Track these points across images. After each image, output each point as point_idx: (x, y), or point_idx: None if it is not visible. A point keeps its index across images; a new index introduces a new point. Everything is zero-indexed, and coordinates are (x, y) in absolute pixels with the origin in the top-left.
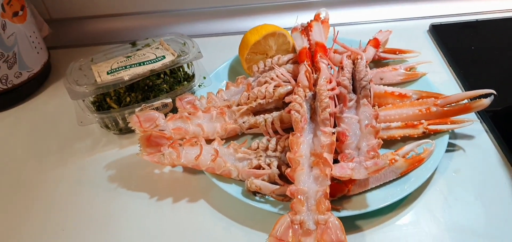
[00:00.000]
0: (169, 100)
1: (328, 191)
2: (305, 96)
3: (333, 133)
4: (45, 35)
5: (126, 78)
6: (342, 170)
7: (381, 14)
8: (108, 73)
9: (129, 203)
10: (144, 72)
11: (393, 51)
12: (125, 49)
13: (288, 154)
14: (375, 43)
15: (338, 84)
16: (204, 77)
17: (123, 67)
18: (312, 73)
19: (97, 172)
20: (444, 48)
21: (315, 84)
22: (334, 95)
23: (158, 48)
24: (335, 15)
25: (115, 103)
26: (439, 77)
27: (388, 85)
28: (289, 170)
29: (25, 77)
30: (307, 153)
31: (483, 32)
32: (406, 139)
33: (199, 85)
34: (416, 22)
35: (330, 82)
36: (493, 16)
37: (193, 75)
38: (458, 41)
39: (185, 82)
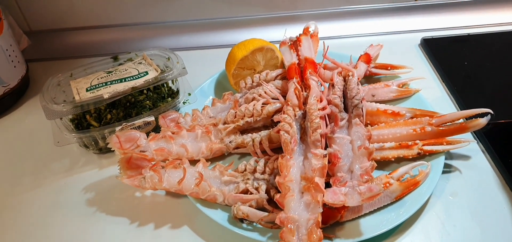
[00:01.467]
0: (152, 118)
1: (320, 219)
2: (295, 115)
3: (325, 156)
4: (23, 47)
5: (106, 96)
6: (335, 196)
7: (371, 27)
8: (87, 90)
9: (107, 228)
10: (125, 90)
11: (385, 67)
12: (106, 63)
13: (277, 178)
14: (367, 58)
15: (329, 102)
16: (189, 94)
17: (104, 84)
18: (302, 90)
19: (74, 194)
20: (437, 63)
21: (305, 102)
22: (325, 115)
23: (140, 63)
24: (324, 28)
25: (95, 121)
26: (432, 94)
27: (380, 102)
28: (278, 195)
29: (0, 92)
30: (298, 177)
31: (475, 46)
32: (400, 160)
33: (183, 102)
34: (407, 36)
35: (321, 100)
36: (484, 30)
37: (178, 92)
38: (450, 56)
39: (169, 98)
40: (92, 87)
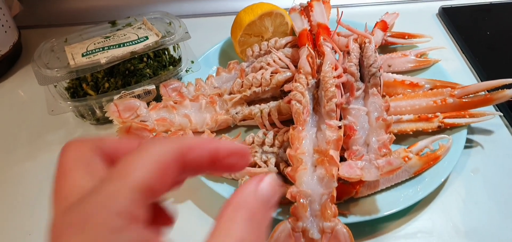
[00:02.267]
0: (153, 87)
1: (334, 194)
2: (307, 84)
3: (340, 127)
4: (15, 13)
5: (103, 61)
6: (351, 170)
7: None
8: (83, 56)
9: None
10: (124, 54)
11: (402, 36)
12: (103, 29)
13: (288, 150)
14: (383, 25)
15: (344, 71)
16: (192, 62)
17: (100, 49)
18: (315, 58)
19: None
20: (456, 33)
21: (318, 70)
22: (340, 84)
23: (140, 28)
24: None
25: (92, 89)
26: (452, 65)
27: (397, 73)
28: (289, 169)
29: None
30: (310, 150)
31: (498, 15)
32: (418, 134)
33: (186, 71)
34: (424, 5)
35: (336, 68)
36: None
37: (180, 59)
38: (471, 26)
39: (171, 67)
40: (88, 53)
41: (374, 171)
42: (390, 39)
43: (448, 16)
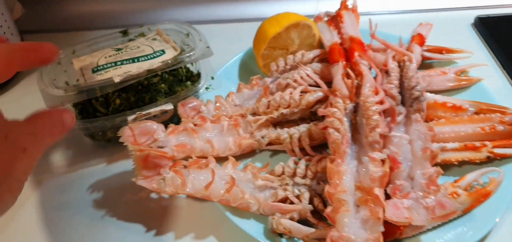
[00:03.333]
0: (171, 107)
1: (381, 240)
2: (345, 109)
3: (385, 161)
4: (17, 17)
5: (117, 80)
6: (398, 212)
7: (416, 3)
8: (94, 71)
9: (118, 236)
10: (140, 72)
11: (439, 50)
12: (114, 39)
13: (326, 187)
14: (420, 40)
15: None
16: (212, 78)
17: (113, 65)
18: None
19: (78, 194)
20: (495, 46)
21: (356, 93)
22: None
23: (155, 39)
24: (362, 2)
25: (102, 106)
26: (493, 84)
27: (435, 92)
28: (329, 209)
29: None
30: (351, 187)
31: None
32: (463, 163)
33: (206, 88)
34: (457, 13)
35: (377, 92)
36: None
37: (199, 75)
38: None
39: (188, 82)
40: (98, 68)
41: (423, 213)
42: (426, 54)
43: (485, 26)
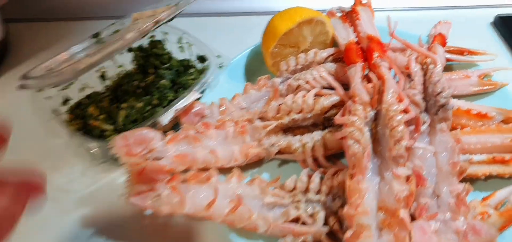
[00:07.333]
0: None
1: None
2: (366, 117)
3: (410, 178)
4: (2, 4)
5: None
6: (425, 237)
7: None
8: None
9: None
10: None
11: (461, 52)
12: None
13: (346, 209)
14: (442, 40)
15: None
16: (219, 56)
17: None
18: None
19: (64, 208)
20: None
21: (378, 100)
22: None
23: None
24: None
25: (106, 122)
26: None
27: (458, 97)
28: (349, 233)
29: None
30: (374, 207)
31: None
32: (489, 177)
33: (219, 67)
34: (476, 12)
35: (401, 99)
36: None
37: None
38: None
39: (193, 69)
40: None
41: (454, 240)
42: (447, 56)
43: (506, 26)
